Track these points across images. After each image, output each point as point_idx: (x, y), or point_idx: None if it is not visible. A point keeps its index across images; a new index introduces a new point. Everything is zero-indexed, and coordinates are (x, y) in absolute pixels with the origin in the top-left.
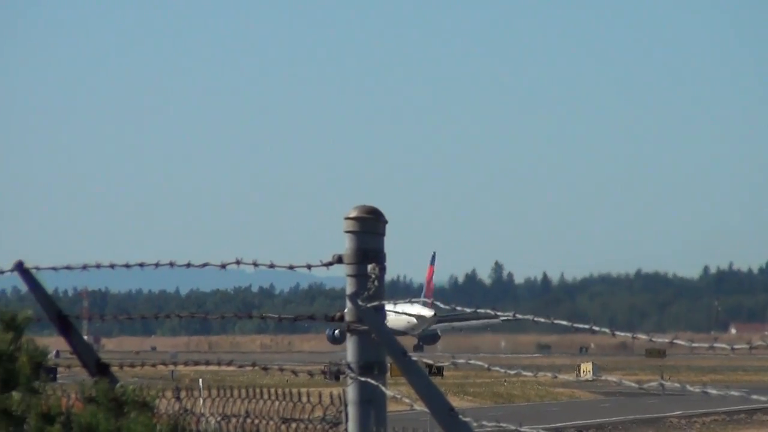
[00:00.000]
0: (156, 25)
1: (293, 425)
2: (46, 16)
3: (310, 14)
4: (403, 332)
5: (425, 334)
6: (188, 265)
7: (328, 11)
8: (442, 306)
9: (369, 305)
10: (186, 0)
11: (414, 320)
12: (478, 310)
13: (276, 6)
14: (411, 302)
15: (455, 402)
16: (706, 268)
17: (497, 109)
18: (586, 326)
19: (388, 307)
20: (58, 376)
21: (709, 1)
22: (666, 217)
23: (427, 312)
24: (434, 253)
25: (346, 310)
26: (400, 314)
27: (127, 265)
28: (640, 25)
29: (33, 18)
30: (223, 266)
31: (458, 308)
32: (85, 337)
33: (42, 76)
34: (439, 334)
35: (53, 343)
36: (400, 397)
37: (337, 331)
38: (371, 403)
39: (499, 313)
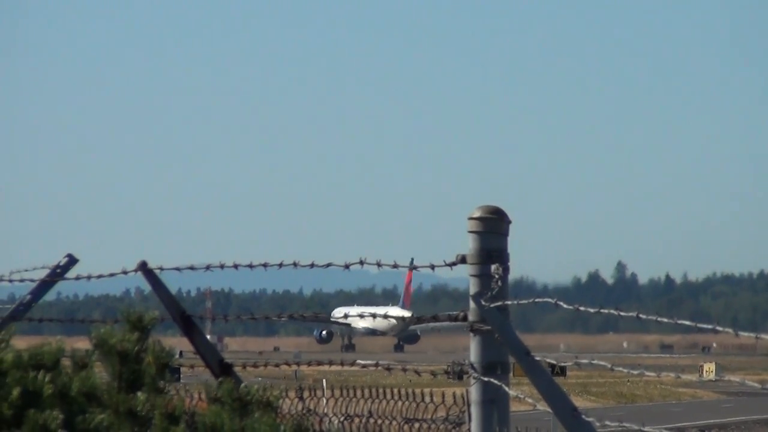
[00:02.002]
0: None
1: (416, 425)
2: (48, 16)
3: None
4: (383, 333)
5: (406, 335)
6: (312, 266)
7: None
8: (565, 306)
9: (492, 305)
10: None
11: (394, 321)
12: (602, 311)
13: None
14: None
15: (578, 402)
16: None
17: (619, 109)
18: (710, 326)
19: (369, 309)
20: (181, 376)
21: (693, 1)
22: None
23: (406, 313)
24: (412, 259)
25: (469, 310)
26: (380, 316)
27: (251, 266)
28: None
29: (36, 17)
30: (347, 266)
31: (581, 308)
32: (209, 337)
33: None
34: (419, 334)
35: (176, 344)
36: (523, 397)
37: (324, 332)
38: (494, 403)
39: (621, 313)
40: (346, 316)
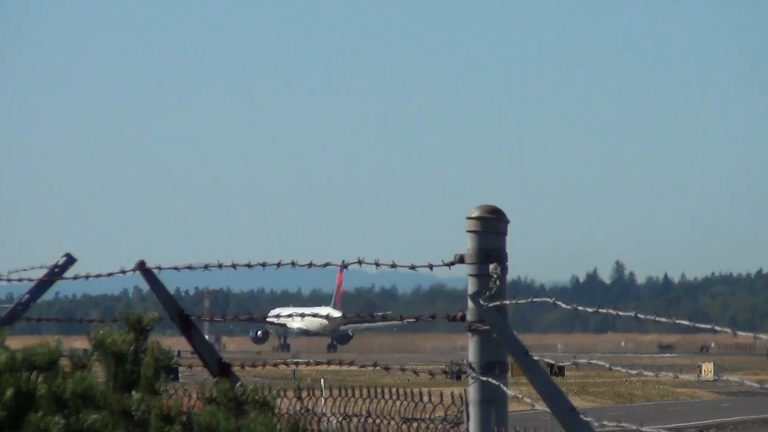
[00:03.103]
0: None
1: (414, 425)
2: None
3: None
4: (316, 333)
5: (338, 335)
6: (310, 265)
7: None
8: (564, 306)
9: (490, 305)
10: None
11: (326, 322)
12: (600, 310)
13: None
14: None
15: (576, 402)
16: None
17: (618, 108)
18: (708, 326)
19: (300, 309)
20: (179, 376)
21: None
22: None
23: (336, 313)
24: (343, 260)
25: (467, 310)
26: (312, 316)
27: (249, 265)
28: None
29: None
30: (345, 266)
31: (580, 308)
32: (207, 337)
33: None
34: (351, 334)
35: (174, 343)
36: (521, 396)
37: (259, 332)
38: (492, 402)
39: (617, 311)
40: (291, 315)
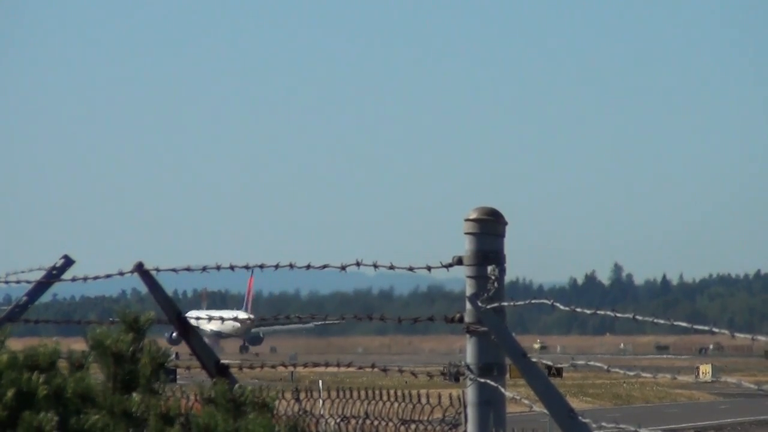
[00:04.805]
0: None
1: (412, 426)
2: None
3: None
4: (228, 335)
5: (250, 337)
6: (308, 267)
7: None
8: (562, 307)
9: (488, 307)
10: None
11: (238, 324)
12: (598, 312)
13: None
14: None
15: (574, 403)
16: None
17: (615, 109)
18: (706, 327)
19: (212, 312)
20: (177, 377)
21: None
22: None
23: (245, 316)
24: (247, 263)
25: (465, 312)
26: (222, 319)
27: (247, 267)
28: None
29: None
30: (343, 268)
31: (578, 309)
32: (205, 339)
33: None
34: (261, 336)
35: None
36: (519, 398)
37: (174, 334)
38: (490, 404)
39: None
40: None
